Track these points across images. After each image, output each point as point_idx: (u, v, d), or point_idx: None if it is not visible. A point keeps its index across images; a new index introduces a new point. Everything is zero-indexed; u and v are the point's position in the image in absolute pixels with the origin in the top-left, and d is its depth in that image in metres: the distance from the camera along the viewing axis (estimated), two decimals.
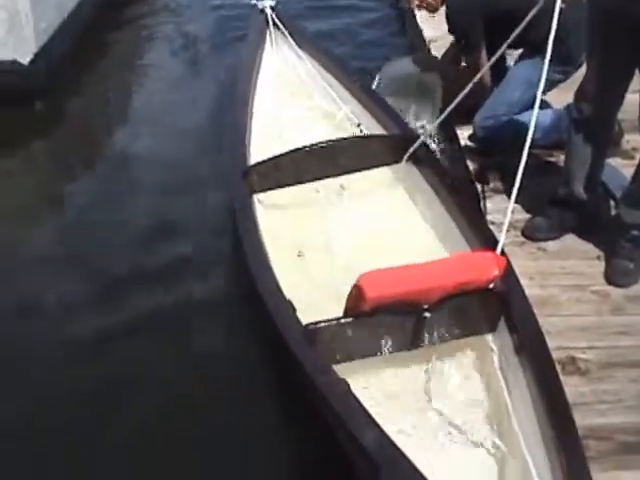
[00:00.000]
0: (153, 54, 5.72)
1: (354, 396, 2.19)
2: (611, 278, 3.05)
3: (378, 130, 3.74)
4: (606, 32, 2.87)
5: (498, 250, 2.63)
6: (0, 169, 4.43)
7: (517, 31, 2.84)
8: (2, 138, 4.62)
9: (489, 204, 3.46)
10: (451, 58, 4.20)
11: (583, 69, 3.14)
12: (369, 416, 2.12)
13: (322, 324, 2.46)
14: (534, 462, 2.19)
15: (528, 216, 3.35)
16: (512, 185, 2.59)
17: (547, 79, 2.66)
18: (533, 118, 2.59)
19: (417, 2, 3.89)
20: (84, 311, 3.32)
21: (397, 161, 3.51)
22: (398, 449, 2.01)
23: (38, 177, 4.39)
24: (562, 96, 3.53)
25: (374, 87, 4.20)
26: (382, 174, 3.56)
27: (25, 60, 4.73)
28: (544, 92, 3.35)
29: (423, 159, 3.42)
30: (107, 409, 2.87)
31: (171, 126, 4.69)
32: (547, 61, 2.58)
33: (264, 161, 3.39)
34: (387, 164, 3.55)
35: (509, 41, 2.98)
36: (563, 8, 2.62)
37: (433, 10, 3.91)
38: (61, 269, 3.56)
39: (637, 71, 2.93)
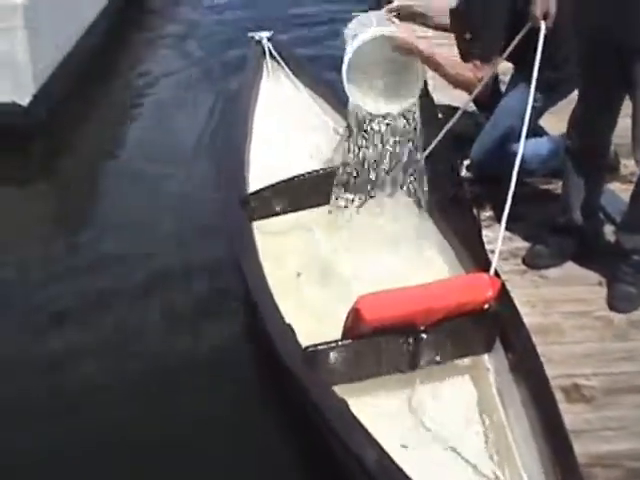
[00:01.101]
0: (152, 88, 5.73)
1: (354, 416, 2.19)
2: (613, 304, 3.01)
3: None
4: (592, 54, 2.87)
5: (491, 271, 2.66)
6: (2, 206, 4.42)
7: (510, 47, 2.96)
8: (3, 177, 4.65)
9: (489, 232, 3.40)
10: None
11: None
12: (369, 435, 2.12)
13: (321, 347, 2.48)
14: None
15: (528, 244, 3.32)
16: (509, 213, 2.66)
17: (535, 107, 2.72)
18: (520, 149, 2.66)
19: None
20: (70, 327, 3.40)
21: None
22: (398, 467, 2.01)
23: (39, 214, 4.39)
24: (559, 124, 3.51)
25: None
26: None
27: (24, 102, 4.72)
28: (535, 120, 3.37)
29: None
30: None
31: (171, 159, 4.75)
32: (532, 90, 2.67)
33: (262, 189, 3.42)
34: None
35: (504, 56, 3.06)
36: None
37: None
38: (58, 294, 3.61)
39: (627, 95, 2.89)
